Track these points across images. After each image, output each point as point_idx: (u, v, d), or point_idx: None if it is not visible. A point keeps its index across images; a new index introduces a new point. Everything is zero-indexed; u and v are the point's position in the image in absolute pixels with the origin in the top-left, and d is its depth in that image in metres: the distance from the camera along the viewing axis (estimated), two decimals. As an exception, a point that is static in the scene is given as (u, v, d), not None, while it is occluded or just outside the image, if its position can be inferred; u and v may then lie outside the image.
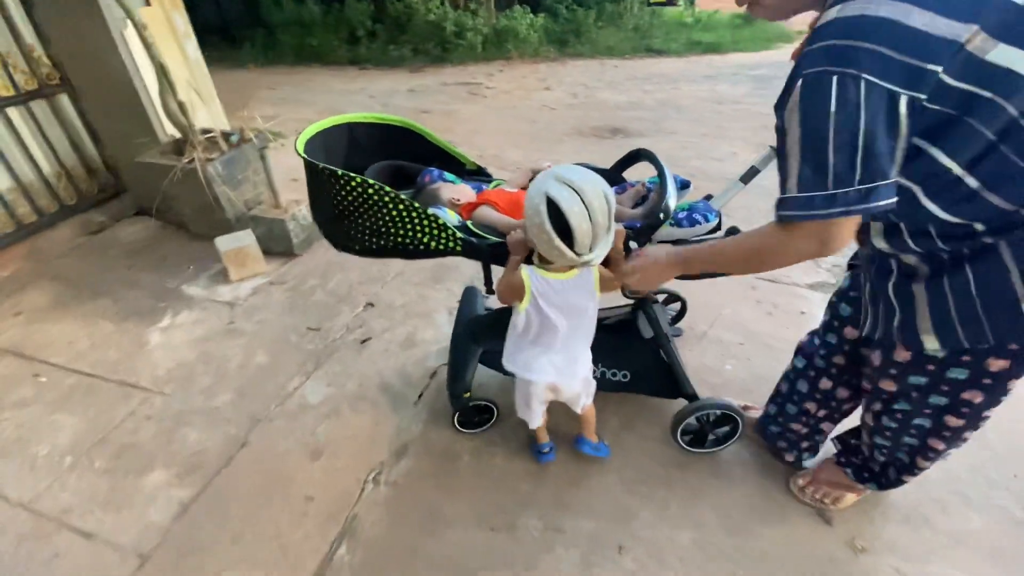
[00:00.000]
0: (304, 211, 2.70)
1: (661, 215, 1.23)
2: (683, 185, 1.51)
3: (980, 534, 1.45)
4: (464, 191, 1.47)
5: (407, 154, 1.62)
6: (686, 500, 1.52)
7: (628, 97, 5.29)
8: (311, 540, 1.45)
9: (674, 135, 4.26)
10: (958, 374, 0.98)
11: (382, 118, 1.57)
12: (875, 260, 1.02)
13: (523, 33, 7.24)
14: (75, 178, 3.01)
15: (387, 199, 1.20)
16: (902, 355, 1.02)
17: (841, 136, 0.75)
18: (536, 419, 1.47)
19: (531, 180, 1.62)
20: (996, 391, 1.00)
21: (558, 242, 1.06)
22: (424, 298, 2.36)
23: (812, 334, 1.45)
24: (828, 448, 1.54)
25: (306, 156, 1.24)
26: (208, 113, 3.07)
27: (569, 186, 1.05)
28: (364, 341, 2.12)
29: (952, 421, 1.09)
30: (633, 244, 1.26)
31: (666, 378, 1.63)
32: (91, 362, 2.07)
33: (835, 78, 0.74)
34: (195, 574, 1.39)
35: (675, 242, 1.30)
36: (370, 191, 1.20)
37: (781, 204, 0.87)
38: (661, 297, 2.00)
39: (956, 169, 0.79)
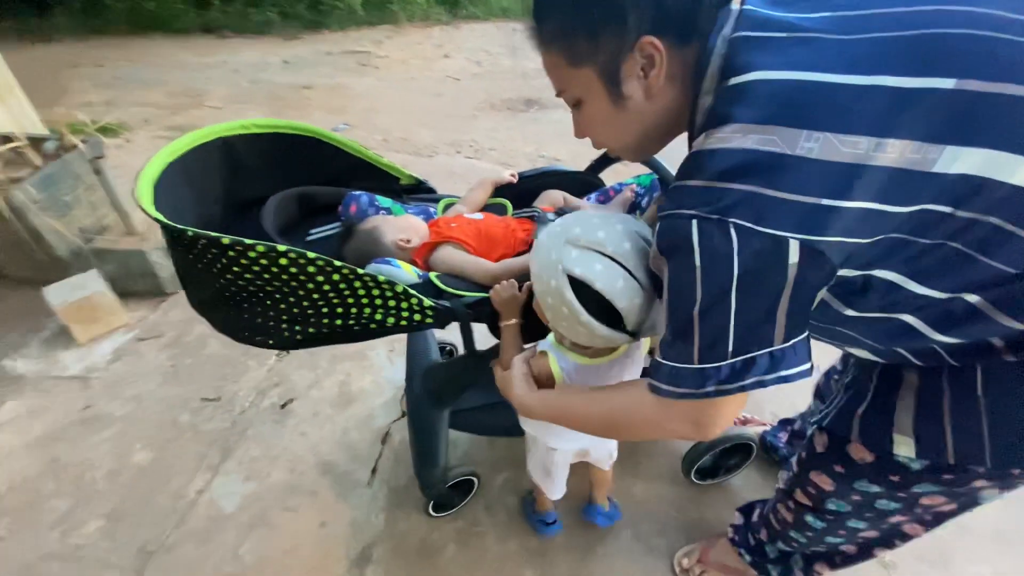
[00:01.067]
0: (172, 236, 2.09)
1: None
2: None
3: (977, 518, 1.41)
4: (413, 225, 1.08)
5: (316, 173, 1.18)
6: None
7: (534, 64, 4.78)
8: None
9: (592, 104, 4.03)
10: (932, 490, 0.74)
11: (270, 125, 1.10)
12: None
13: (408, -7, 6.52)
14: None
15: (312, 269, 0.79)
16: (860, 454, 0.77)
17: (707, 298, 0.56)
18: (559, 489, 1.19)
19: (492, 195, 1.28)
20: (971, 505, 0.79)
21: (604, 331, 0.74)
22: (353, 333, 1.92)
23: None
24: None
25: (162, 217, 0.78)
26: (6, 111, 2.25)
27: (597, 251, 0.72)
28: (285, 405, 1.67)
29: (909, 529, 0.88)
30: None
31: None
32: None
33: (695, 223, 0.55)
34: None
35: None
36: (283, 261, 0.77)
37: (652, 367, 0.67)
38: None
39: (939, 295, 0.58)
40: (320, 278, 0.79)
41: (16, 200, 1.78)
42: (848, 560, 1.02)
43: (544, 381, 0.87)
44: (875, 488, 0.78)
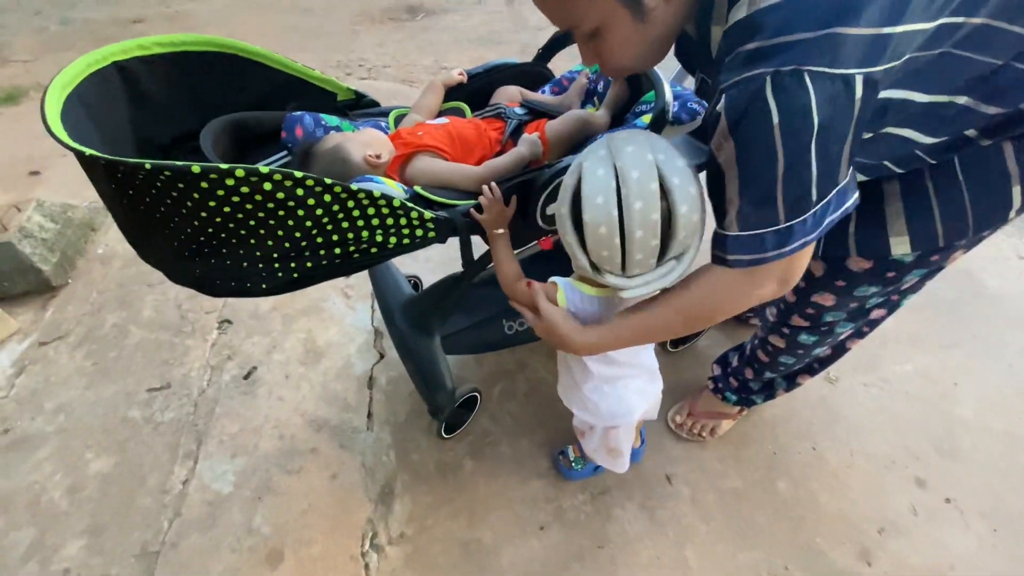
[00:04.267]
0: (40, 216, 1.72)
1: (667, 114, 0.95)
2: None
3: (895, 328, 1.70)
4: (377, 139, 0.97)
5: (237, 99, 0.99)
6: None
7: (405, -35, 4.45)
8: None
9: (480, 5, 3.76)
10: (916, 275, 0.87)
11: (174, 43, 0.89)
12: None
13: None
14: None
15: (300, 192, 0.68)
16: (859, 265, 0.87)
17: (790, 155, 0.57)
18: (627, 463, 1.13)
19: (445, 100, 1.18)
20: (934, 275, 0.91)
21: (574, 244, 0.73)
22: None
23: None
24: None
25: (102, 154, 0.62)
26: None
27: (613, 164, 0.69)
28: (248, 375, 1.53)
29: (877, 314, 1.02)
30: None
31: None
32: None
33: (768, 80, 0.54)
34: None
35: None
36: (267, 186, 0.66)
37: (721, 244, 0.67)
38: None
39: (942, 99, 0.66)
40: (311, 201, 0.70)
41: None
42: (825, 363, 1.19)
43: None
44: (872, 289, 0.89)
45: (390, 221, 0.79)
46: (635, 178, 0.67)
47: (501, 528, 1.25)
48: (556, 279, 0.85)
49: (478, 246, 0.97)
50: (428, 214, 0.82)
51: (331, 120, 1.02)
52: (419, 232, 0.82)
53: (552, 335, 0.82)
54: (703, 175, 0.72)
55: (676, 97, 1.05)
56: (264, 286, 0.79)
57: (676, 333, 0.80)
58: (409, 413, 1.44)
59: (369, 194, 0.74)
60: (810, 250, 0.66)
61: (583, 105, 1.19)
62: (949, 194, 0.76)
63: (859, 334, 1.11)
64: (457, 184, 0.93)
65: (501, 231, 0.90)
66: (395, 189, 0.87)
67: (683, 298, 0.74)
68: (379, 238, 0.79)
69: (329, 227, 0.74)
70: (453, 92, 1.16)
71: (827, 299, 0.96)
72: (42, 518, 1.25)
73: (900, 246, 0.81)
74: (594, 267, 0.76)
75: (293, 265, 0.77)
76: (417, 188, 0.90)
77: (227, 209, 0.67)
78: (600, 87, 1.18)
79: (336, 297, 1.74)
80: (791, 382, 1.26)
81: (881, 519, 1.28)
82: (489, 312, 1.34)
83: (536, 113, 1.10)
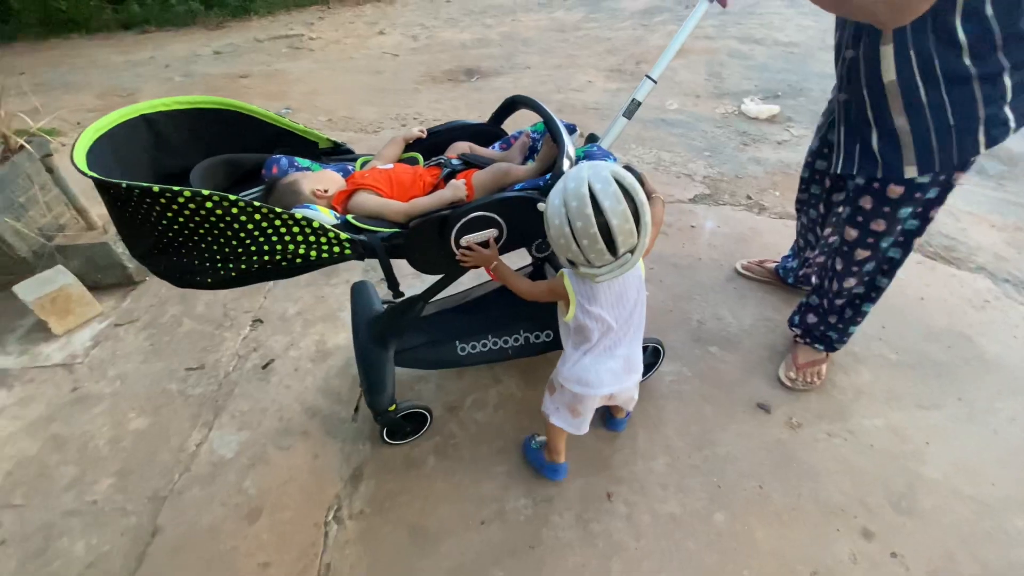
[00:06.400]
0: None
1: (564, 170, 1.14)
2: (570, 130, 1.43)
3: (873, 383, 1.72)
4: (329, 178, 1.24)
5: (236, 144, 1.29)
6: (649, 430, 1.58)
7: (472, 34, 5.02)
8: (284, 612, 1.24)
9: (529, 70, 4.16)
10: (933, 193, 1.23)
11: (190, 102, 1.20)
12: (855, 102, 1.20)
13: (334, -29, 6.41)
14: None
15: (235, 211, 0.93)
16: (895, 191, 1.23)
17: None
18: (584, 429, 1.33)
19: (405, 151, 1.43)
20: (944, 200, 1.26)
21: (554, 248, 1.04)
22: (321, 299, 2.07)
23: (801, 192, 1.74)
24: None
25: (96, 174, 0.89)
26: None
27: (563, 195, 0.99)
28: (266, 366, 1.81)
29: (915, 241, 1.37)
30: (542, 205, 1.15)
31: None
32: None
33: None
34: None
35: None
36: (208, 205, 0.91)
37: None
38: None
39: None
40: (243, 218, 0.94)
41: (-29, 204, 1.83)
42: (880, 293, 1.52)
43: (559, 295, 1.15)
44: (908, 209, 1.26)
45: (312, 239, 1.02)
46: (574, 207, 0.97)
47: (447, 520, 1.39)
48: (563, 270, 1.14)
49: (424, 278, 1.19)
50: (344, 235, 1.04)
51: (304, 162, 1.30)
52: (335, 249, 1.05)
53: None
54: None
55: (587, 156, 1.26)
56: (209, 280, 1.01)
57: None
58: (389, 411, 1.64)
59: (291, 215, 0.98)
60: None
61: (525, 159, 1.40)
62: (944, 128, 1.09)
63: (901, 263, 1.44)
64: (385, 215, 1.17)
65: (494, 264, 1.19)
66: (324, 215, 1.11)
67: None
68: (301, 250, 1.02)
69: (260, 239, 0.98)
70: (414, 144, 1.42)
71: (880, 224, 1.31)
72: (86, 460, 1.56)
73: (910, 172, 1.16)
74: (570, 262, 1.05)
75: (231, 266, 1.00)
76: (349, 217, 1.14)
77: (181, 219, 0.92)
78: (539, 145, 1.39)
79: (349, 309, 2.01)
80: (857, 312, 1.58)
81: (816, 563, 1.29)
82: (446, 334, 1.52)
83: (471, 164, 1.33)
